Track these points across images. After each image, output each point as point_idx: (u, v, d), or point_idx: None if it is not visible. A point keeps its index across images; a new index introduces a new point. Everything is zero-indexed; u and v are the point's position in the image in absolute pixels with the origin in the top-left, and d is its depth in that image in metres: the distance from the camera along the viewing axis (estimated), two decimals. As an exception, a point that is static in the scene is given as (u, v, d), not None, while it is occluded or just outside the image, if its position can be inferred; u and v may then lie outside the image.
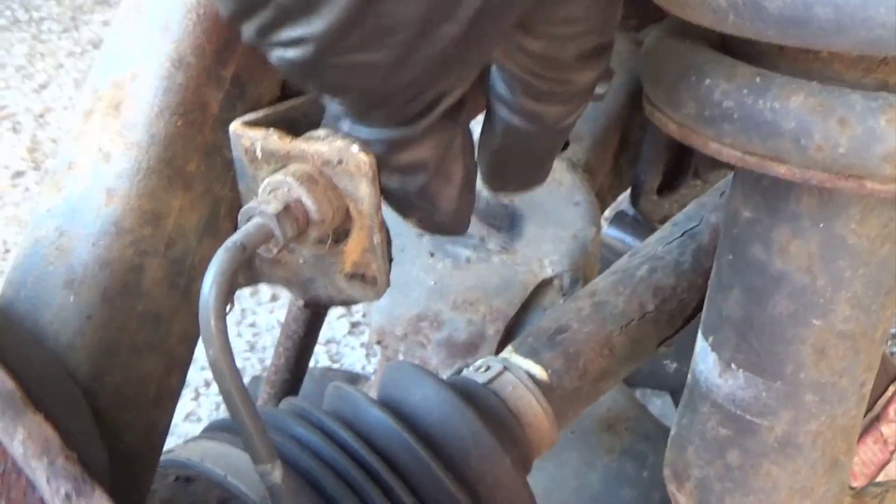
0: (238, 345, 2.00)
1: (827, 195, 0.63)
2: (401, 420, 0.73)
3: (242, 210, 0.54)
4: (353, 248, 0.56)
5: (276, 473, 0.53)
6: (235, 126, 0.56)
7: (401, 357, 1.01)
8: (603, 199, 1.21)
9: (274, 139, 0.55)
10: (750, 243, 0.67)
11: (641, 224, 1.31)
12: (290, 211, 0.53)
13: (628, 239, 1.31)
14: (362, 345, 1.97)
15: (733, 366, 0.69)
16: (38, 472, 0.49)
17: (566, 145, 1.15)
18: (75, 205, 0.57)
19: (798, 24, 0.54)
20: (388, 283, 0.57)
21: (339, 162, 0.54)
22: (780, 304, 0.66)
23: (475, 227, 1.05)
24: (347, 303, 0.60)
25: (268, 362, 1.79)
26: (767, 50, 0.60)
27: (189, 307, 0.59)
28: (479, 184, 0.60)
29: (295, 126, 0.59)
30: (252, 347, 1.95)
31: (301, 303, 1.00)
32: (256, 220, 0.53)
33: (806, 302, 0.66)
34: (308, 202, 0.54)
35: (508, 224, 1.05)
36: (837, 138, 0.56)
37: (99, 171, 0.57)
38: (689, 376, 0.75)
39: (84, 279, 0.57)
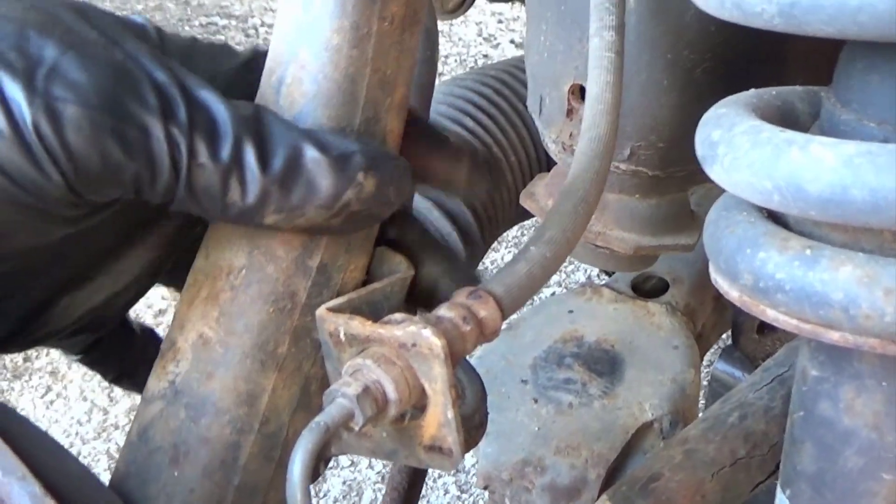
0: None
1: (888, 355, 0.65)
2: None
3: (326, 392, 0.59)
4: (430, 423, 0.61)
5: None
6: (321, 312, 0.61)
7: (507, 502, 1.04)
8: (707, 337, 1.24)
9: (355, 324, 0.60)
10: (818, 400, 0.69)
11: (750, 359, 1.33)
12: (369, 392, 0.58)
13: (737, 373, 1.33)
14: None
15: (810, 518, 0.72)
16: None
17: (666, 288, 1.19)
18: (178, 387, 0.63)
19: (837, 204, 0.57)
20: (462, 455, 0.61)
21: (414, 345, 0.58)
22: (850, 459, 0.69)
23: (577, 372, 1.09)
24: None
25: None
26: (821, 222, 0.64)
27: (284, 477, 0.64)
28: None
29: (377, 308, 0.64)
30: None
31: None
32: (339, 402, 0.58)
33: (875, 457, 0.68)
34: (386, 383, 0.59)
35: (609, 369, 1.09)
36: (884, 307, 0.59)
37: (200, 356, 0.63)
38: (771, 527, 0.77)
39: (187, 456, 0.62)
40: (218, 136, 0.56)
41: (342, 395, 0.58)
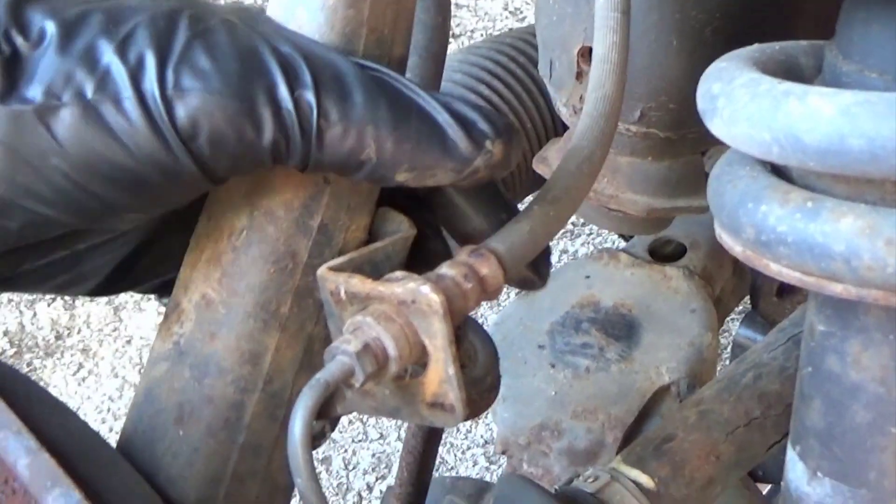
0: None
1: (893, 308, 0.65)
2: (506, 532, 0.77)
3: (327, 349, 0.59)
4: (431, 380, 0.61)
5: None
6: (322, 271, 0.61)
7: (525, 466, 1.04)
8: (726, 302, 1.23)
9: (355, 282, 0.60)
10: (825, 355, 0.69)
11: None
12: (369, 349, 0.58)
13: (759, 338, 1.33)
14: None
15: (819, 474, 0.71)
16: None
17: (684, 252, 1.18)
18: (183, 348, 0.64)
19: (835, 154, 0.57)
20: (465, 411, 0.61)
21: (413, 301, 0.59)
22: (858, 413, 0.68)
23: (594, 337, 1.09)
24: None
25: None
26: (823, 174, 0.63)
27: None
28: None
29: (378, 267, 0.64)
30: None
31: (419, 420, 1.06)
32: (339, 359, 0.58)
33: (883, 411, 0.68)
34: (386, 340, 0.59)
35: (626, 333, 1.09)
36: (886, 258, 0.59)
37: (203, 317, 0.64)
38: (782, 484, 0.77)
39: (191, 415, 0.63)
40: (348, 95, 0.57)
41: (342, 352, 0.58)
